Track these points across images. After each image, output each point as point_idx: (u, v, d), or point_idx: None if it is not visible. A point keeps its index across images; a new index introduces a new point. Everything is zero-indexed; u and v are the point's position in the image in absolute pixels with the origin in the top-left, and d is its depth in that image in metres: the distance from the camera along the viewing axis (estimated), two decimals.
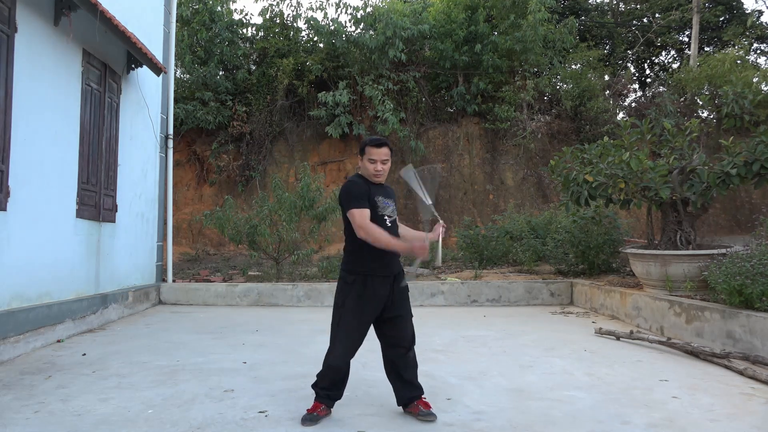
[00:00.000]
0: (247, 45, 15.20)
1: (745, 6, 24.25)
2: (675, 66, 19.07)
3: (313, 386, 3.12)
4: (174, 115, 9.37)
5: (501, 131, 14.15)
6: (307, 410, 3.04)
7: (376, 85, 13.33)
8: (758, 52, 18.80)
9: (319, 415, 3.01)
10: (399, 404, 3.13)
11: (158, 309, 7.60)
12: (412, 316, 3.17)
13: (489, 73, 14.32)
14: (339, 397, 3.14)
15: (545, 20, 13.79)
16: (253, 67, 15.01)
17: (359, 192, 2.97)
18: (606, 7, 20.04)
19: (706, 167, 5.77)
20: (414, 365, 3.12)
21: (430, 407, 3.06)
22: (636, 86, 18.47)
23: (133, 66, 7.20)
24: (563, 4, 18.62)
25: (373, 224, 2.90)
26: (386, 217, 3.02)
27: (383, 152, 3.02)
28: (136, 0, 7.47)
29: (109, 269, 6.75)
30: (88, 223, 6.19)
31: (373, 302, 2.99)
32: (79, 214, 5.98)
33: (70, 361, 4.44)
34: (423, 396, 3.12)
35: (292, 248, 8.93)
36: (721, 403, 3.31)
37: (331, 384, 3.06)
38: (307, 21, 14.18)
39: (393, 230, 3.05)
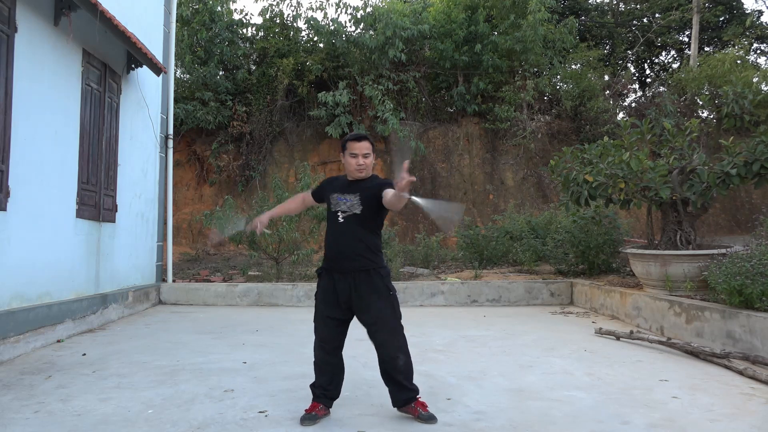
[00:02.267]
0: (247, 45, 15.19)
1: (745, 6, 24.24)
2: (675, 66, 19.09)
3: (311, 386, 3.15)
4: (174, 115, 9.37)
5: (501, 131, 14.15)
6: (305, 410, 3.04)
7: (376, 85, 13.33)
8: (758, 52, 18.83)
9: (317, 415, 3.01)
10: (394, 406, 3.12)
11: (158, 309, 7.60)
12: (394, 325, 3.05)
13: (489, 73, 14.31)
14: (336, 395, 3.15)
15: (545, 20, 13.80)
16: (253, 67, 15.01)
17: (318, 186, 3.35)
18: (606, 7, 20.05)
19: (706, 167, 5.77)
20: (405, 370, 3.05)
21: (428, 408, 3.04)
22: (636, 86, 18.50)
23: (133, 66, 7.20)
24: (563, 4, 18.62)
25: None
26: (339, 213, 3.08)
27: (364, 146, 3.10)
28: (136, 0, 7.47)
29: (109, 269, 6.75)
30: (88, 223, 6.19)
31: (329, 296, 3.07)
32: (79, 214, 5.98)
33: (70, 361, 4.44)
34: (419, 397, 3.09)
35: (292, 248, 8.94)
36: (721, 403, 3.31)
37: (319, 377, 3.11)
38: (307, 21, 14.18)
39: (345, 226, 3.05)
